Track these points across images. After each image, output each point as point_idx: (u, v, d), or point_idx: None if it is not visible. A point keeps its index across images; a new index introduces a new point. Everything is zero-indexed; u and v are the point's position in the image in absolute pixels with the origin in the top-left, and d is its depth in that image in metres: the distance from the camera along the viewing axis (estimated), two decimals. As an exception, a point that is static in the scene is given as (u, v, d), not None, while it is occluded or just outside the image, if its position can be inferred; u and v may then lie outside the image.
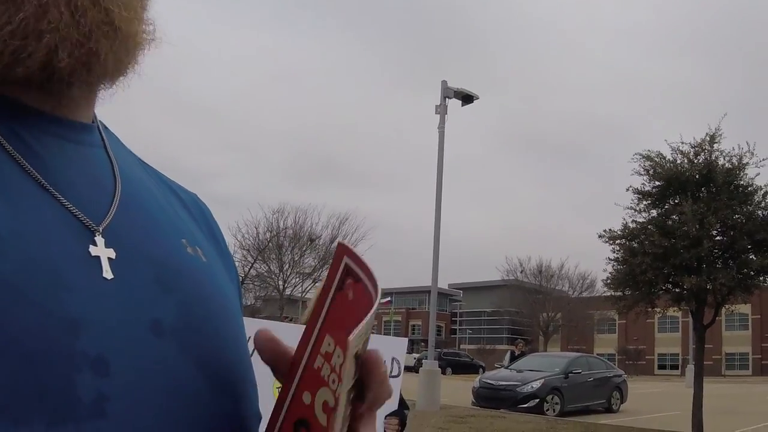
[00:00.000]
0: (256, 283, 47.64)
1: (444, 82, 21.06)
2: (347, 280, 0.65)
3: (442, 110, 21.00)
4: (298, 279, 46.56)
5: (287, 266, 46.09)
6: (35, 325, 0.61)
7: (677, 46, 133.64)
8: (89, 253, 0.70)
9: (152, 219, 0.81)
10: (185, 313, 0.75)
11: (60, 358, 0.62)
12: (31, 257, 0.64)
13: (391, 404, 3.75)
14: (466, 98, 21.39)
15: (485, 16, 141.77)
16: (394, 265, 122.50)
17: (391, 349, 3.95)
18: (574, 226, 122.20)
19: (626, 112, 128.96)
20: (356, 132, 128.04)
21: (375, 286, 0.62)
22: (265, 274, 46.94)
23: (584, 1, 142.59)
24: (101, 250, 0.71)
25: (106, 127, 0.87)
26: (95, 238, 0.71)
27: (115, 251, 0.72)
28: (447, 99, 21.01)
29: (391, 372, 3.74)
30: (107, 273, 0.70)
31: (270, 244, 45.01)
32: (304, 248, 45.65)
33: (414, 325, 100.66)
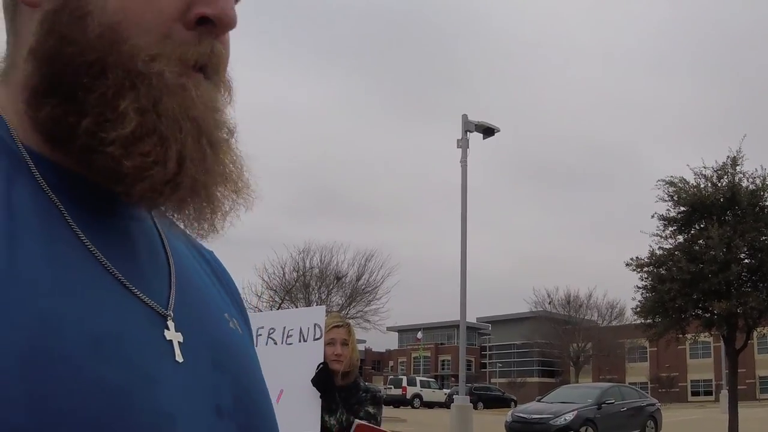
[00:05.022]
0: (284, 324, 47.31)
1: (465, 116, 20.84)
2: None
3: (463, 144, 20.80)
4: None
5: (315, 305, 45.96)
6: (147, 423, 0.67)
7: (675, 67, 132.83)
8: (164, 337, 0.74)
9: (202, 297, 0.86)
10: (237, 393, 0.80)
11: None
12: (124, 356, 0.68)
13: (317, 360, 4.18)
14: (487, 131, 21.27)
15: (469, 46, 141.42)
16: (420, 300, 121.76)
17: (311, 318, 4.37)
18: (595, 251, 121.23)
19: (619, 134, 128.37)
20: (362, 166, 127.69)
21: None
22: (293, 314, 46.58)
23: (568, 24, 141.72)
24: (173, 335, 0.75)
25: None
26: (167, 322, 0.76)
27: (182, 335, 0.76)
28: (468, 132, 20.94)
29: (314, 336, 4.24)
30: (179, 357, 0.74)
31: (297, 283, 44.98)
32: (331, 287, 45.56)
33: (443, 360, 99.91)
